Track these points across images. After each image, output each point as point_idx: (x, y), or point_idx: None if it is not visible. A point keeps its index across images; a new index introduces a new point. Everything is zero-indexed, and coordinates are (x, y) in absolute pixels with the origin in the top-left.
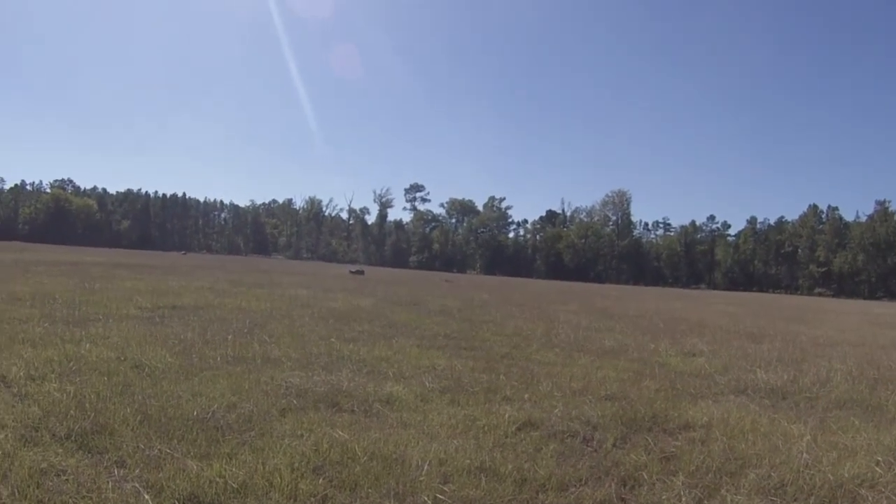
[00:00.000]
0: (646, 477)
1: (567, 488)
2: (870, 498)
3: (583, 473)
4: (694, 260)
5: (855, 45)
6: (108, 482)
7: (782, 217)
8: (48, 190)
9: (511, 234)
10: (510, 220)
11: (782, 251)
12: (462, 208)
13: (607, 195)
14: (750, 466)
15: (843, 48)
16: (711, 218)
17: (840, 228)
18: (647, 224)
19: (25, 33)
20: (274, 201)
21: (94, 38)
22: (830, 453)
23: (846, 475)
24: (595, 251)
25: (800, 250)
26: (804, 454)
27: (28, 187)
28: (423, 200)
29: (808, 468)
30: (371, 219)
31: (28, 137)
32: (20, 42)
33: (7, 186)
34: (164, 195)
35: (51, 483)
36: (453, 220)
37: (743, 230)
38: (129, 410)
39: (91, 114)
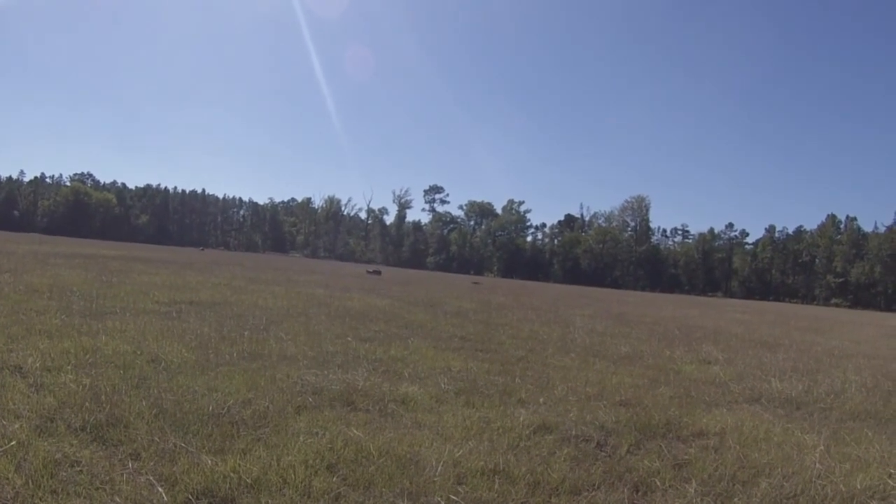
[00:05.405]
0: (659, 483)
1: (580, 492)
2: None
3: (596, 478)
4: (711, 268)
5: (881, 51)
6: (121, 474)
7: (801, 226)
8: (68, 183)
9: (529, 238)
10: (529, 223)
11: (800, 261)
12: (481, 211)
13: (626, 201)
14: (762, 475)
15: (868, 55)
16: (730, 226)
17: (858, 239)
18: (665, 230)
19: (48, 29)
20: (293, 199)
21: (117, 35)
22: (843, 464)
23: (858, 487)
24: (612, 256)
25: (817, 260)
26: (817, 465)
27: (48, 180)
28: (442, 202)
29: (820, 479)
30: (389, 219)
31: (49, 132)
32: (41, 38)
33: (27, 179)
34: (183, 191)
35: (65, 474)
36: (472, 223)
37: (761, 239)
38: (144, 404)
39: (112, 109)
